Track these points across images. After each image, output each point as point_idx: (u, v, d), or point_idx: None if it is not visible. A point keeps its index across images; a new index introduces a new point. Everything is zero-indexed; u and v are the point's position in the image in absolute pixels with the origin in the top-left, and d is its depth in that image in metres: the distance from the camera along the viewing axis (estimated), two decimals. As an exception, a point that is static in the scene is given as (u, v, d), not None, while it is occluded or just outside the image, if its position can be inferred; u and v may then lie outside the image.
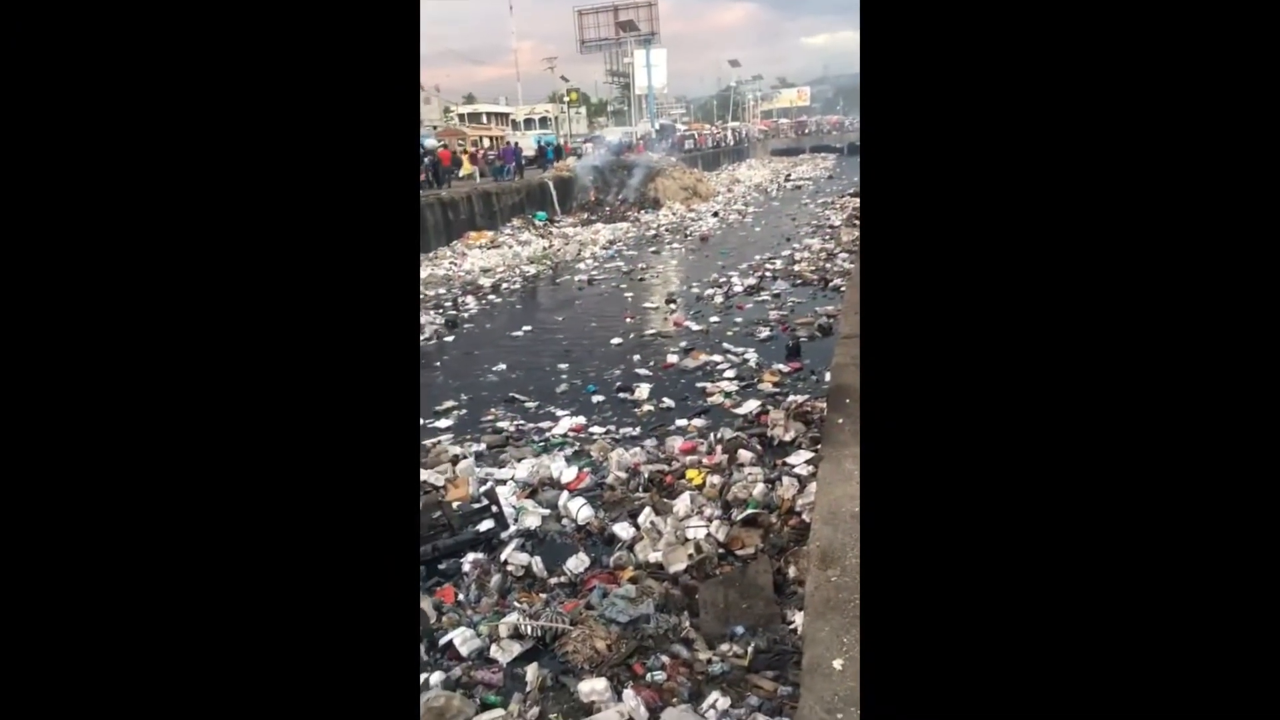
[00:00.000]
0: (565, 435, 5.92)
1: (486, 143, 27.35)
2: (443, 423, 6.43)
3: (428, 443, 5.77)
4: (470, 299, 11.74)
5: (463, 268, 14.44)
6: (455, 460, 5.40)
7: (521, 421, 6.33)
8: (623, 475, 4.93)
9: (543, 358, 8.25)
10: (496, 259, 15.12)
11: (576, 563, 4.03)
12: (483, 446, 5.73)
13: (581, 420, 6.23)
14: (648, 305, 10.61)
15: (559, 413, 6.46)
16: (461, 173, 20.05)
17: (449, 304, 11.32)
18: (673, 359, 7.74)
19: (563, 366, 7.65)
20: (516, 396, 6.89)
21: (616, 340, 8.73)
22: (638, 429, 6.04)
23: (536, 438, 5.93)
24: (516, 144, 25.42)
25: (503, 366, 7.90)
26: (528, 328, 9.63)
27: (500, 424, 6.25)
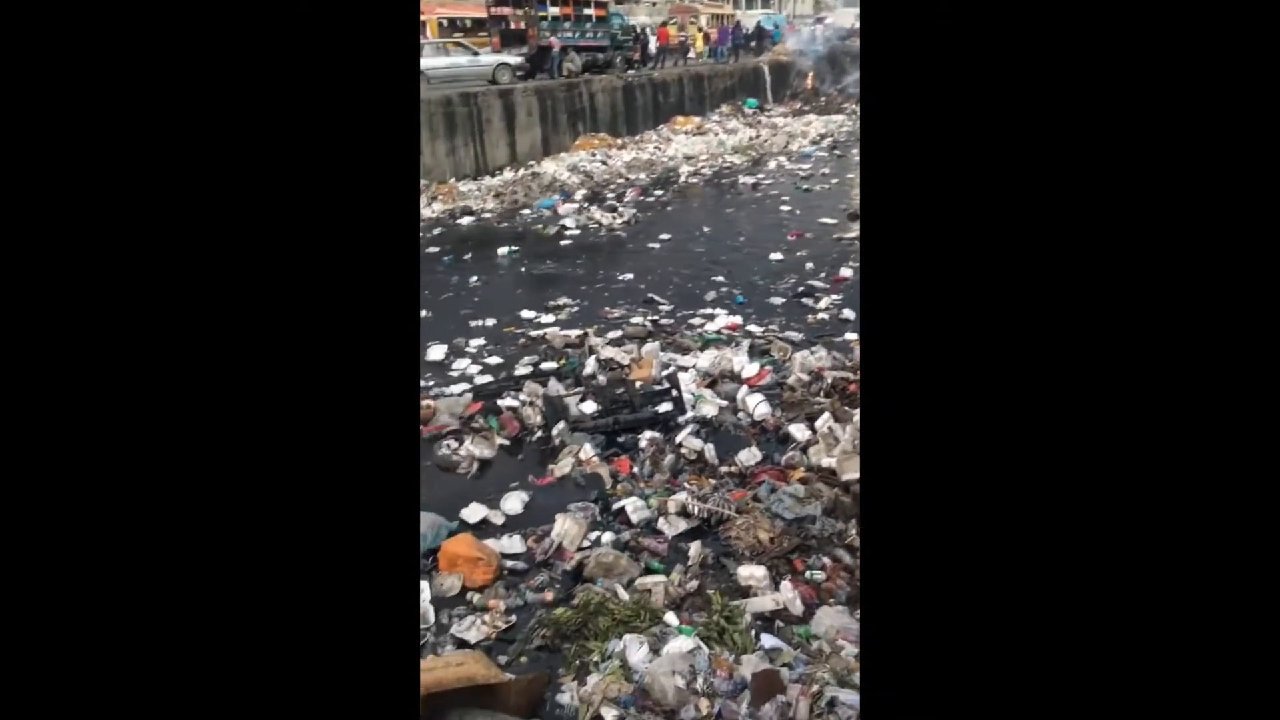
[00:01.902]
0: (720, 331, 5.97)
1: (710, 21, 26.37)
2: (547, 318, 6.63)
3: (541, 331, 6.13)
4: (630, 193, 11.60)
5: (666, 153, 14.39)
6: (642, 341, 5.60)
7: (657, 317, 6.44)
8: (805, 378, 4.87)
9: (691, 265, 8.08)
10: (700, 146, 14.89)
11: (748, 455, 4.12)
12: (619, 334, 5.92)
13: (738, 319, 6.22)
14: (825, 221, 9.66)
15: (713, 311, 6.50)
16: (693, 53, 19.62)
17: (612, 196, 11.26)
18: (846, 273, 7.35)
19: (719, 279, 7.42)
20: (655, 298, 6.93)
21: (777, 256, 8.21)
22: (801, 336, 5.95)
23: (689, 331, 6.03)
24: (737, 23, 24.28)
25: (629, 276, 7.74)
26: (665, 237, 9.27)
27: (634, 319, 6.39)
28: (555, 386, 4.95)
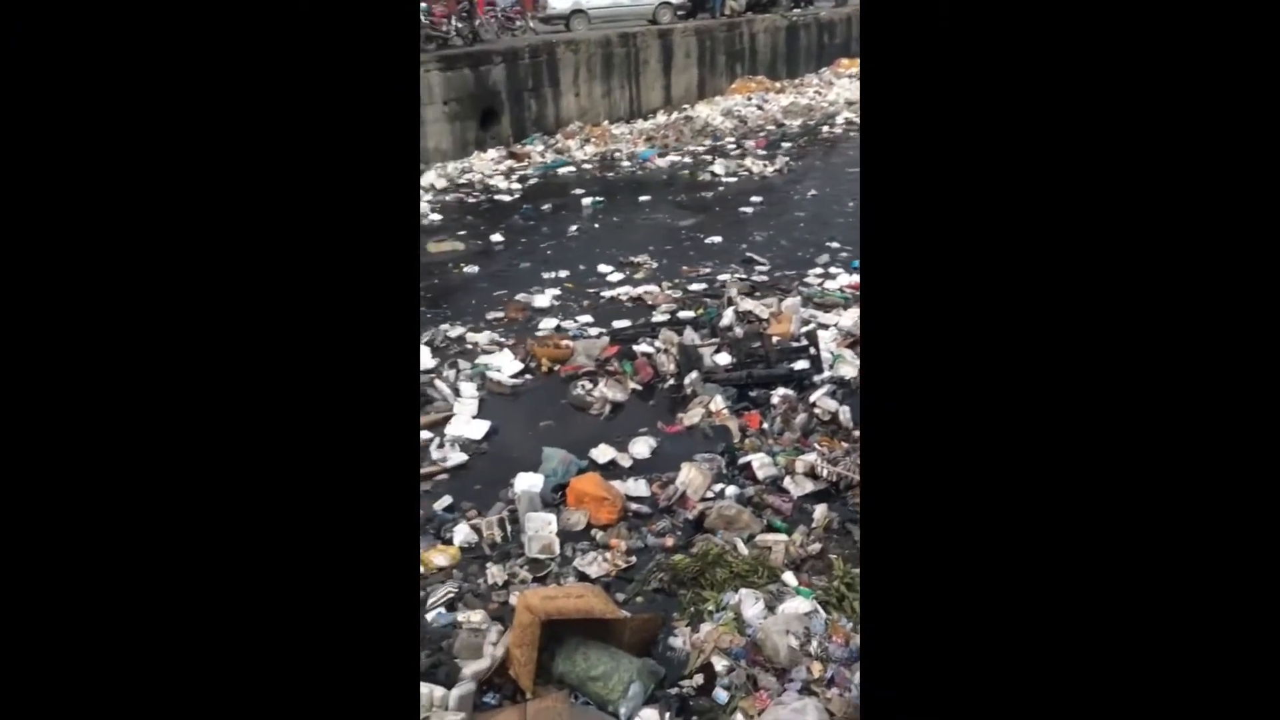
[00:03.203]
0: (841, 290, 5.75)
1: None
2: (615, 276, 6.43)
3: (614, 292, 5.95)
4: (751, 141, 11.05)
5: (826, 98, 13.73)
6: (782, 295, 5.48)
7: (745, 277, 6.16)
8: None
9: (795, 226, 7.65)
10: (864, 91, 14.04)
11: (886, 423, 3.93)
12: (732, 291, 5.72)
13: (858, 279, 5.92)
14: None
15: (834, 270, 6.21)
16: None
17: (734, 150, 10.81)
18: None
19: (834, 244, 6.89)
20: (754, 258, 6.61)
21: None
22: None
23: (804, 289, 5.82)
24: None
25: (718, 239, 7.33)
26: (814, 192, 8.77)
27: (721, 277, 6.15)
28: (691, 335, 4.94)
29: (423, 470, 3.81)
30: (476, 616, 2.84)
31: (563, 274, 6.50)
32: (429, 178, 9.57)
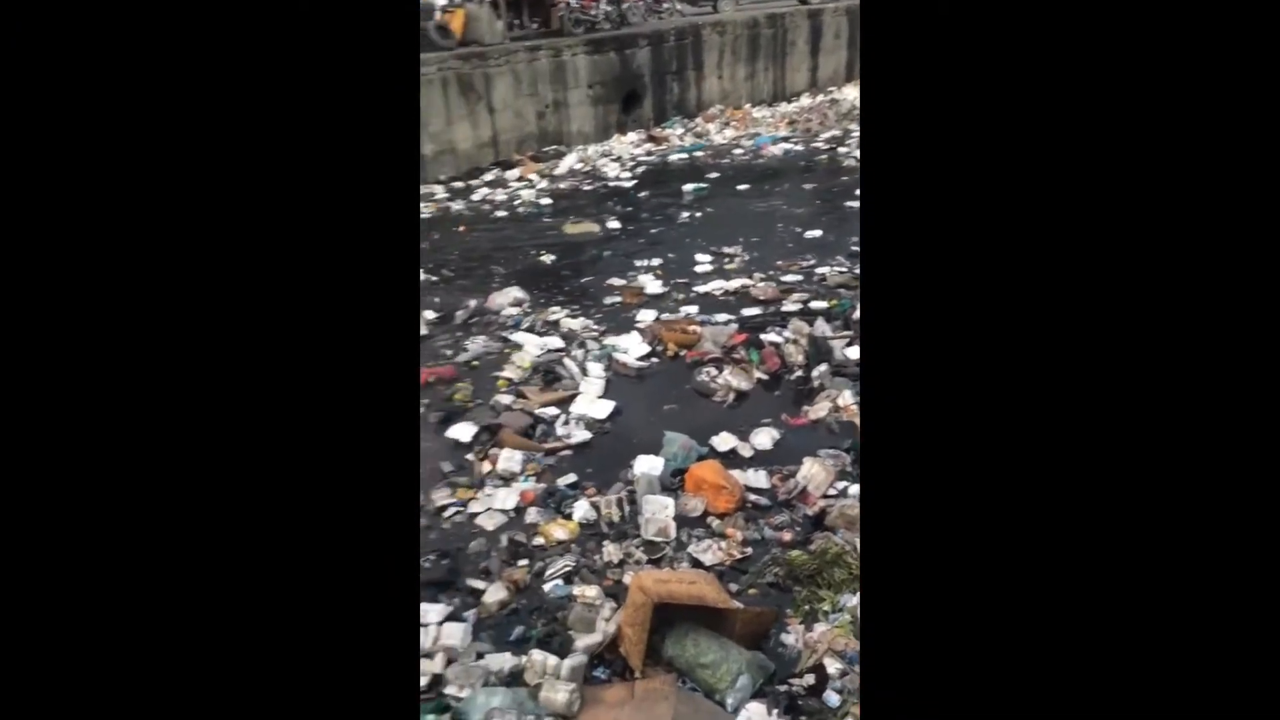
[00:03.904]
0: None
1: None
2: (704, 267, 6.19)
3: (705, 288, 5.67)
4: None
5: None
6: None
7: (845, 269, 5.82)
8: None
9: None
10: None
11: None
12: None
13: None
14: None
15: None
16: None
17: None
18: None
19: None
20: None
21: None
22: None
23: None
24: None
25: (817, 233, 6.94)
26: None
27: (821, 270, 5.85)
28: (822, 327, 4.80)
29: (547, 445, 3.94)
30: (591, 592, 2.91)
31: (655, 261, 6.45)
32: (568, 161, 9.80)
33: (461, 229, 7.75)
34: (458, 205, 8.54)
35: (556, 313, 5.51)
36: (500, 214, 8.18)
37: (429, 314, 5.56)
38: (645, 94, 11.15)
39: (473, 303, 5.69)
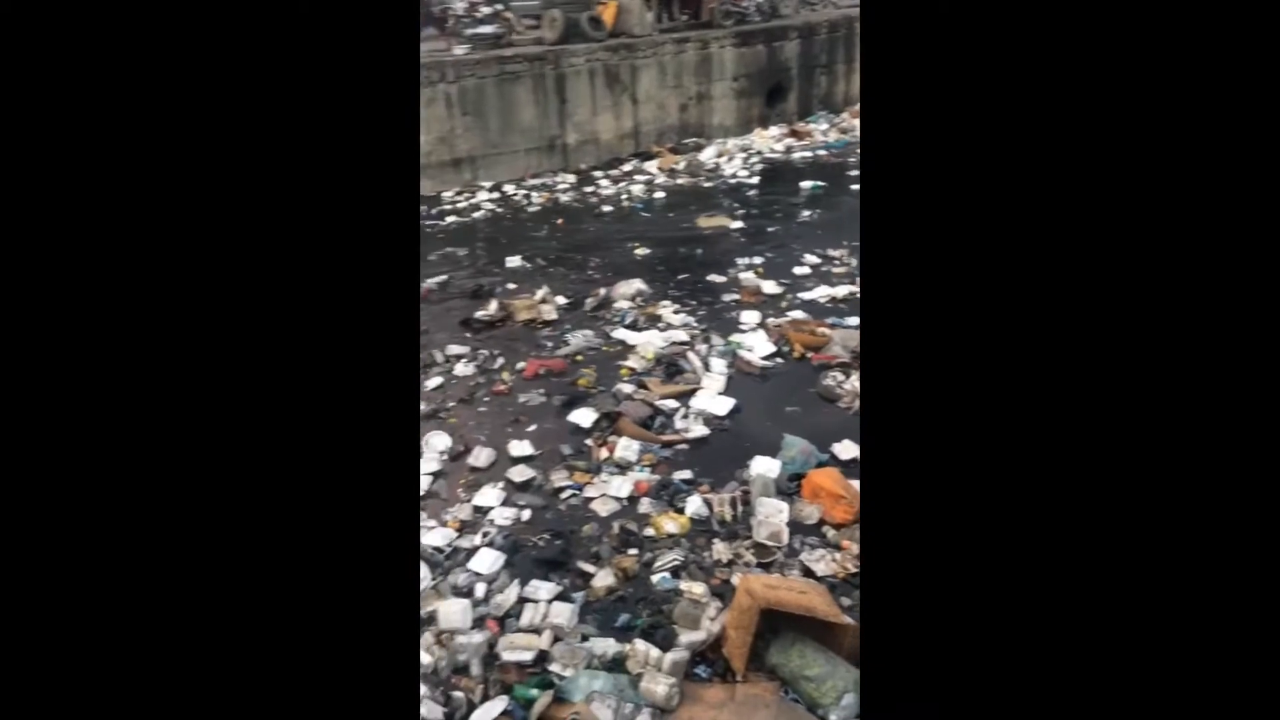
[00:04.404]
0: None
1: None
2: (804, 270, 5.90)
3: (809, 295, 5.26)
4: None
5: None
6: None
7: None
8: None
9: None
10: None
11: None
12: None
13: None
14: None
15: None
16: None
17: None
18: None
19: None
20: None
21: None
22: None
23: None
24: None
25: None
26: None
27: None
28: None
29: (664, 437, 3.96)
30: (698, 589, 2.90)
31: (769, 258, 6.36)
32: (708, 152, 9.76)
33: (600, 213, 7.95)
34: (606, 188, 8.78)
35: (666, 307, 5.54)
36: (636, 205, 8.30)
37: (560, 299, 5.72)
38: (790, 87, 10.92)
39: (602, 291, 5.79)
